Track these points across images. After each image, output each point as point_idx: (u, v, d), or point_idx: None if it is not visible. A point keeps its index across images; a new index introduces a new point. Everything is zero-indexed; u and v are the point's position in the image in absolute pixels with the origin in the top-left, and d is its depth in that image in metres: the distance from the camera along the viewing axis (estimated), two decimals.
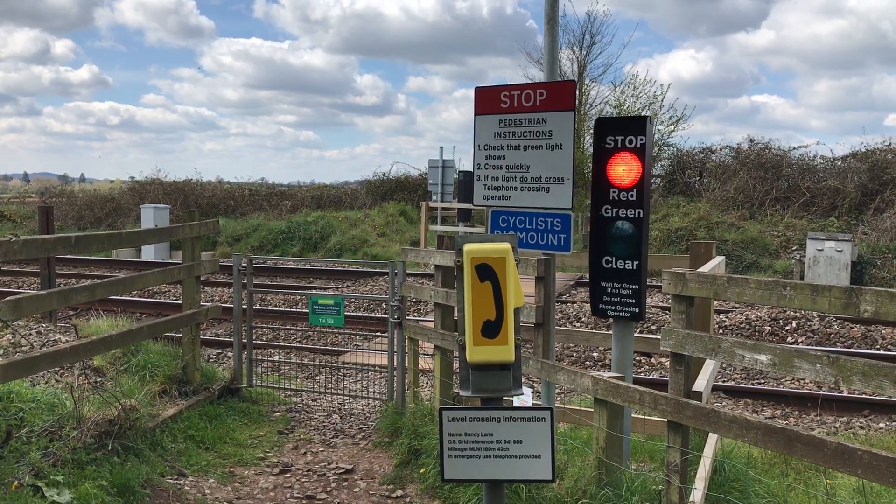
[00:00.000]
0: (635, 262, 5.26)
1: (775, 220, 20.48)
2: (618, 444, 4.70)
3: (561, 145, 5.31)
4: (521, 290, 2.71)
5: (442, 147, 21.23)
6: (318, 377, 9.24)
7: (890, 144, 21.99)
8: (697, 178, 24.51)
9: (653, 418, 5.71)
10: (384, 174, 30.95)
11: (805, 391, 8.56)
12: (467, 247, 2.65)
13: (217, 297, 14.81)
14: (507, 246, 2.65)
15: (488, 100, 5.64)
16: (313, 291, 15.27)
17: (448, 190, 21.40)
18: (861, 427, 7.43)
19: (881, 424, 7.53)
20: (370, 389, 8.58)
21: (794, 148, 23.70)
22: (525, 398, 5.41)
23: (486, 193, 5.69)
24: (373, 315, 12.51)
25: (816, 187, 21.53)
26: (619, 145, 5.23)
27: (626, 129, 5.21)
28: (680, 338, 4.10)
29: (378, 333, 11.30)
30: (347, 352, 10.35)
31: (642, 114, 24.11)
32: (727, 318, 11.89)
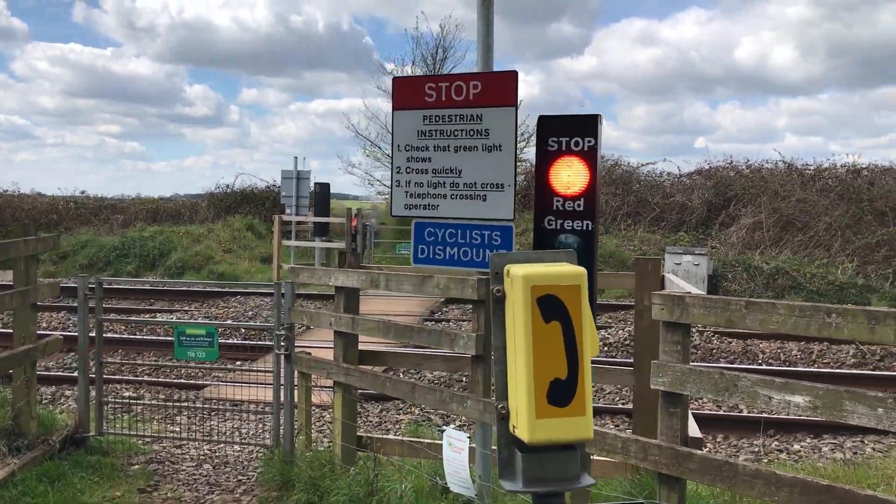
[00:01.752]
0: None
1: (630, 235, 20.80)
2: (584, 499, 3.96)
3: (500, 146, 4.55)
4: (595, 332, 1.89)
5: (296, 157, 20.00)
6: (177, 417, 7.95)
7: (732, 162, 23.05)
8: None
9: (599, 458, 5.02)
10: (228, 186, 29.16)
11: (735, 414, 8.15)
12: (520, 269, 1.79)
13: (44, 325, 12.95)
14: (579, 270, 1.82)
15: (409, 92, 4.79)
16: (158, 317, 13.71)
17: (303, 202, 20.19)
18: (815, 451, 7.09)
19: (831, 450, 7.19)
20: (242, 430, 7.44)
21: (643, 164, 24.36)
22: (461, 444, 4.57)
23: (407, 202, 4.82)
24: (244, 342, 11.14)
25: (665, 203, 22.12)
26: (565, 148, 4.51)
27: (573, 129, 4.48)
28: (678, 374, 3.41)
29: (239, 362, 10.10)
30: (208, 385, 9.08)
31: None
32: (609, 333, 11.57)
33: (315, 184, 20.25)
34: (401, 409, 8.20)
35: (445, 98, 4.66)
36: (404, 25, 78.49)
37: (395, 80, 4.90)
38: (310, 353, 6.01)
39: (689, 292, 3.54)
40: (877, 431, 7.46)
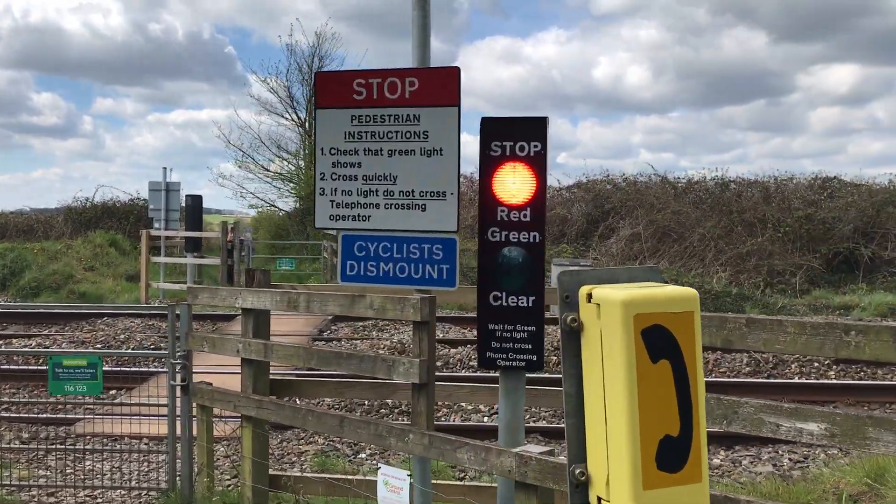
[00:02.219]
0: (531, 298, 4.17)
1: None
2: None
3: (441, 150, 4.12)
4: (702, 371, 1.47)
5: (165, 168, 18.79)
6: (47, 459, 7.00)
7: (608, 176, 23.55)
8: None
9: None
10: (87, 199, 27.23)
11: None
12: (614, 292, 1.36)
13: None
14: (691, 292, 1.41)
15: (335, 89, 4.28)
16: (14, 343, 12.36)
17: (173, 216, 18.96)
18: (735, 465, 6.96)
19: (752, 463, 7.08)
20: (123, 471, 6.61)
21: None
22: (400, 483, 4.07)
23: (333, 212, 4.30)
24: (118, 370, 9.97)
25: (546, 215, 22.27)
26: (509, 153, 4.13)
27: (517, 132, 4.11)
28: None
29: (113, 391, 9.14)
30: (80, 419, 8.11)
31: None
32: (456, 350, 11.18)
33: (186, 196, 19.10)
34: (302, 439, 7.56)
35: (377, 96, 4.18)
36: (269, 35, 76.64)
37: (319, 74, 4.39)
38: (211, 384, 5.35)
39: None
40: (786, 441, 7.48)
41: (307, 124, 27.92)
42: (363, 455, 7.02)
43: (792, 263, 19.26)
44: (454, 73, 4.08)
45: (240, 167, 28.89)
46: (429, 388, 3.98)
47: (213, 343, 5.26)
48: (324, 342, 12.39)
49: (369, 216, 4.22)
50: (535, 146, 4.15)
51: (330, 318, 14.37)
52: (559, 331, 1.46)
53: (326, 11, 65.86)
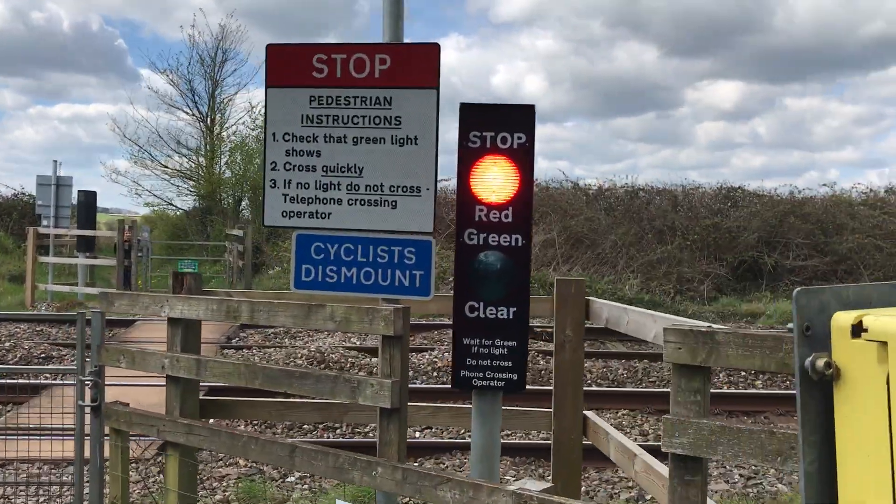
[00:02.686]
0: (512, 309, 3.72)
1: None
2: None
3: (415, 139, 3.61)
4: None
5: (56, 161, 17.41)
6: None
7: None
8: None
9: None
10: None
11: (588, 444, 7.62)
12: None
13: None
14: None
15: (291, 64, 3.70)
16: None
17: (64, 213, 17.58)
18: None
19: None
20: (13, 501, 5.76)
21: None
22: None
23: (286, 208, 3.72)
24: (9, 381, 8.91)
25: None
26: (489, 145, 3.67)
27: (500, 122, 3.67)
28: (705, 434, 2.64)
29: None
30: None
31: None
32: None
33: (79, 192, 17.78)
34: (220, 460, 6.84)
35: (341, 74, 3.64)
36: (160, 29, 73.67)
37: (271, 47, 3.77)
38: (128, 404, 4.63)
39: (711, 326, 2.79)
40: None
41: (209, 119, 26.70)
42: (292, 479, 6.37)
43: (700, 271, 19.56)
44: (433, 49, 3.57)
45: (135, 163, 27.33)
46: (401, 414, 3.44)
47: (132, 358, 4.53)
48: (234, 350, 11.58)
49: (329, 213, 3.67)
50: (520, 138, 3.70)
51: (238, 324, 13.52)
52: (796, 378, 0.98)
53: (222, 8, 63.90)
